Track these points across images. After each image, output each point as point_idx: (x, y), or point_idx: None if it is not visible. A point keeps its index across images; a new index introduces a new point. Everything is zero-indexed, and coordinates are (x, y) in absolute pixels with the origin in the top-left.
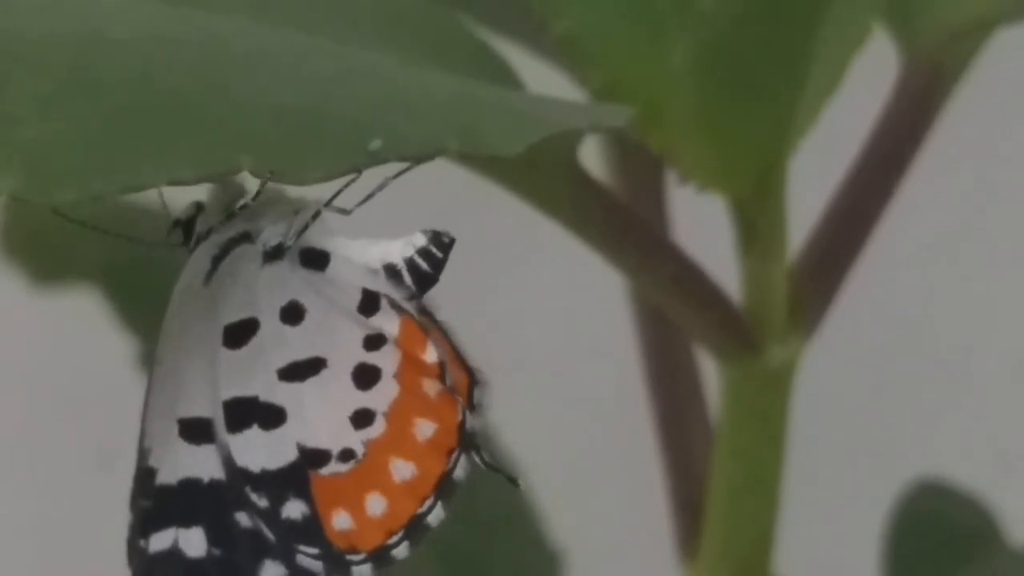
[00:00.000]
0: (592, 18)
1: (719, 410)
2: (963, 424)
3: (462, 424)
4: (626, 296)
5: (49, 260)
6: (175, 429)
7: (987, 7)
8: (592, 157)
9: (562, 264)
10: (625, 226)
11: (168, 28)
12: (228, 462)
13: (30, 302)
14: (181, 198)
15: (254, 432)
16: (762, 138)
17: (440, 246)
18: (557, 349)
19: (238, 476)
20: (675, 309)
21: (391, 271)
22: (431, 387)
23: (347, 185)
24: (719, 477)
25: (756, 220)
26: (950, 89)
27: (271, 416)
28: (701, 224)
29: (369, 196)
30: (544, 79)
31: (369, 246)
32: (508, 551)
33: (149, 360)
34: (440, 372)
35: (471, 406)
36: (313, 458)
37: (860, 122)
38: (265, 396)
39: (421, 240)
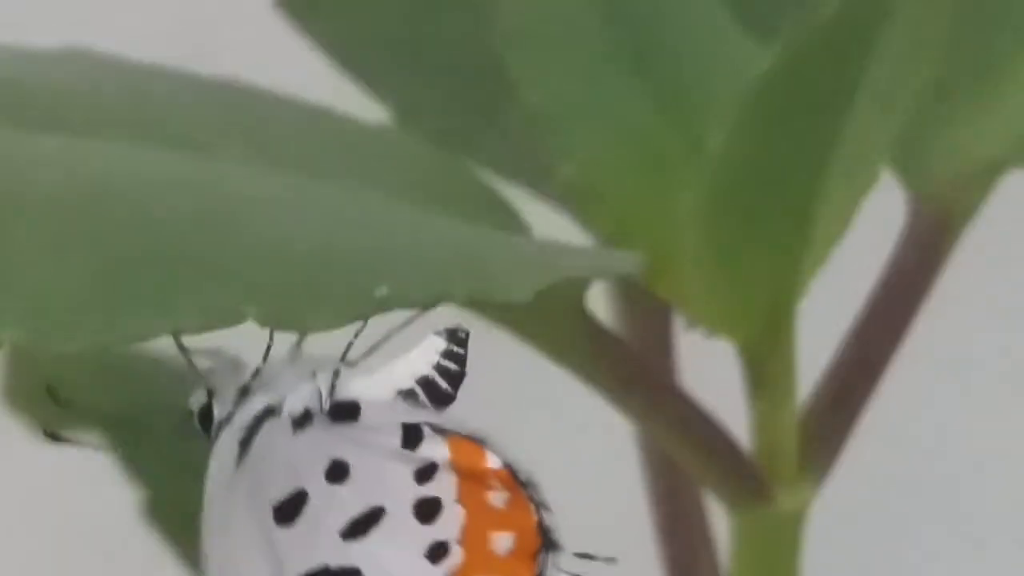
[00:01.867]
0: (598, 163)
1: (729, 557)
2: (975, 564)
3: (540, 523)
4: (634, 442)
5: (52, 411)
6: None
7: (997, 150)
8: (598, 301)
9: (569, 410)
10: (633, 372)
11: (173, 176)
12: None
13: (33, 454)
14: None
15: None
16: (771, 282)
17: (459, 342)
18: (564, 496)
19: None
20: (683, 455)
21: (425, 383)
22: (497, 498)
23: (357, 336)
24: None
25: (765, 365)
26: (960, 232)
27: None
28: (709, 369)
29: (374, 348)
30: (550, 223)
31: (390, 371)
32: None
33: (153, 512)
34: (508, 476)
35: (541, 503)
36: None
37: (868, 266)
38: (335, 561)
39: (440, 343)
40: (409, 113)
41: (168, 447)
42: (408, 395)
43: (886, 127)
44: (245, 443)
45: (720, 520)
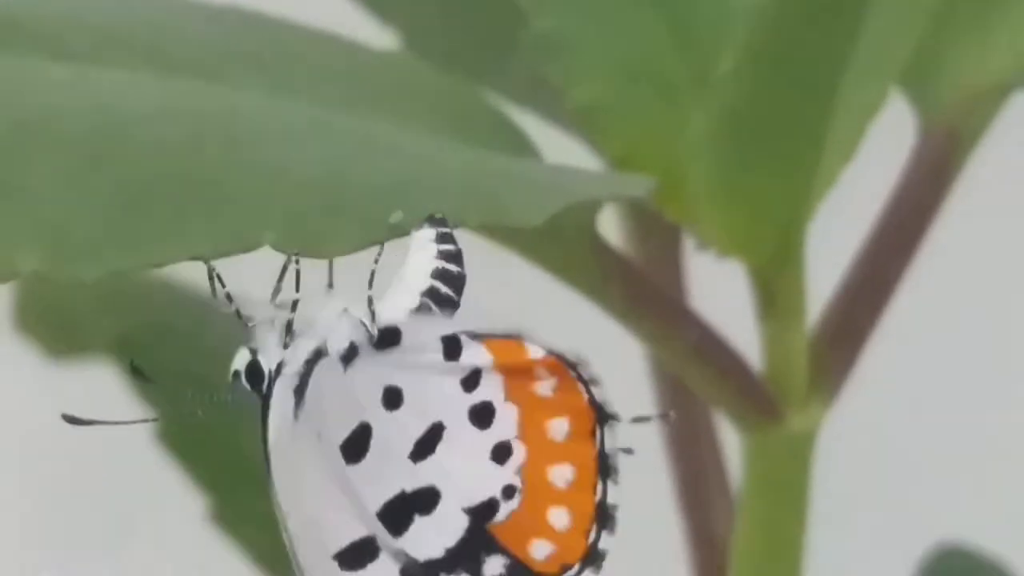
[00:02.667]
0: (609, 88)
1: (740, 478)
2: (985, 488)
3: (591, 400)
4: (645, 364)
5: (63, 334)
6: (334, 566)
7: (1005, 70)
8: (609, 225)
9: (581, 332)
10: (645, 294)
11: (189, 104)
12: (408, 564)
13: (45, 377)
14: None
15: (419, 523)
16: (780, 205)
17: (445, 238)
18: None
19: (427, 570)
20: (695, 377)
21: (430, 293)
22: (544, 387)
23: (376, 261)
24: (741, 545)
25: (775, 287)
26: (968, 153)
27: (425, 499)
28: (720, 291)
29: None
30: (560, 148)
31: (396, 291)
32: None
33: (165, 436)
34: (555, 362)
35: (589, 379)
36: (483, 512)
37: (878, 186)
38: (410, 485)
39: (431, 247)
40: (418, 38)
41: (179, 369)
42: (420, 309)
43: (895, 48)
44: (299, 390)
45: (731, 441)
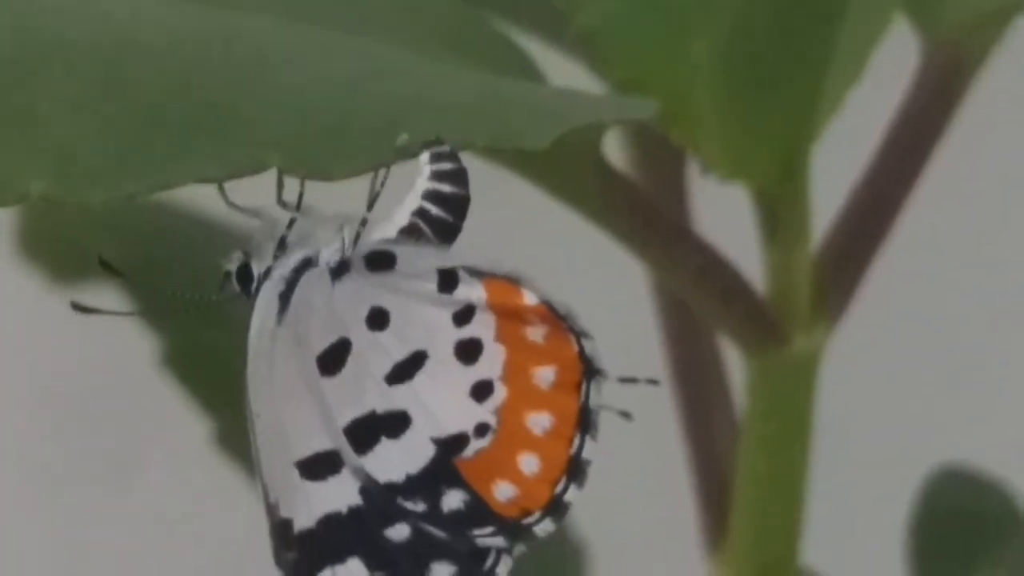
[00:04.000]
0: (613, 11)
1: (744, 401)
2: (987, 412)
3: (581, 353)
4: (649, 288)
5: (67, 259)
6: (295, 474)
7: None
8: (614, 149)
9: (585, 256)
10: (649, 218)
11: (195, 28)
12: (369, 484)
13: (49, 301)
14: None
15: (384, 445)
16: (784, 128)
17: (442, 157)
18: None
19: (386, 492)
20: (699, 301)
21: (421, 214)
22: (536, 333)
23: (382, 184)
24: (745, 469)
25: (779, 210)
26: (971, 77)
27: (395, 423)
28: (724, 215)
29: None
30: (564, 72)
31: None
32: (531, 545)
33: (170, 361)
34: (545, 310)
35: (581, 332)
36: (451, 445)
37: (882, 111)
38: (382, 407)
39: (425, 169)
40: None
41: (184, 297)
42: (411, 231)
43: None
44: (285, 296)
45: (735, 364)
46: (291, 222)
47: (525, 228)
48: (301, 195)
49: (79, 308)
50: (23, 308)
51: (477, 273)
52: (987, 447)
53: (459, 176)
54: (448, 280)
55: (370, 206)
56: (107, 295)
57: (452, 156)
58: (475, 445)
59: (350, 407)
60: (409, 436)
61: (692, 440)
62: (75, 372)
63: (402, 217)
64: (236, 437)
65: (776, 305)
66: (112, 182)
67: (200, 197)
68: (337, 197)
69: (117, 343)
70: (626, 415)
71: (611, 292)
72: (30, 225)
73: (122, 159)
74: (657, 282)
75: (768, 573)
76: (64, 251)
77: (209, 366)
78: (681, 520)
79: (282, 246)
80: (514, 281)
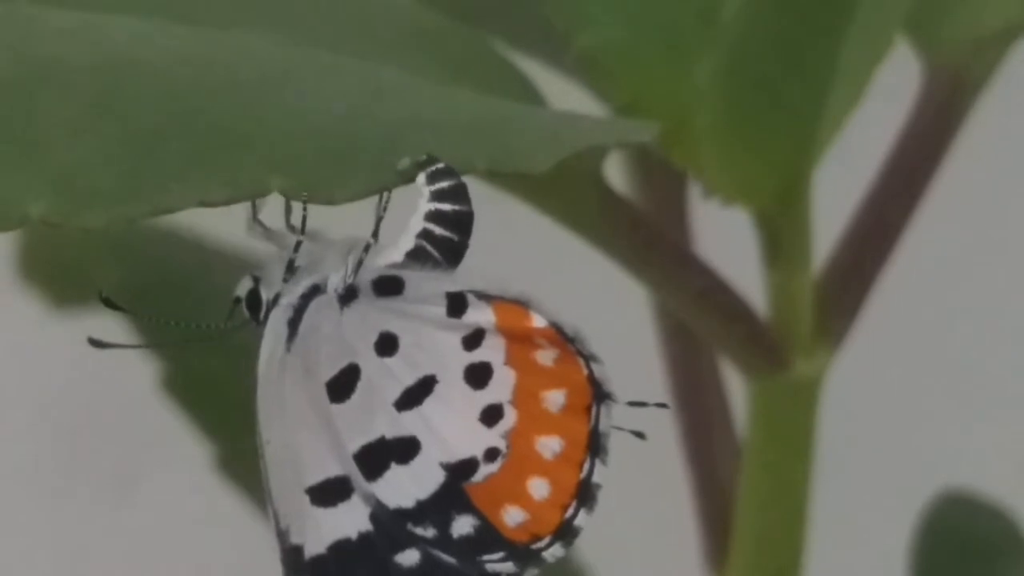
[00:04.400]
0: (615, 34)
1: (746, 424)
2: (990, 435)
3: (591, 377)
4: (651, 311)
5: (67, 283)
6: (306, 500)
7: (1010, 16)
8: (615, 172)
9: (586, 279)
10: (651, 241)
11: (197, 50)
12: (379, 509)
13: (49, 325)
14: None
15: (394, 471)
16: (786, 150)
17: (438, 175)
18: None
19: (396, 518)
20: (700, 324)
21: (425, 235)
22: (546, 356)
23: (385, 208)
24: (747, 491)
25: (781, 233)
26: (973, 98)
27: (405, 449)
28: (725, 238)
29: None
30: (565, 95)
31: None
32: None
33: (170, 385)
34: (554, 334)
35: (590, 356)
36: (461, 471)
37: (883, 133)
38: (391, 433)
39: (424, 190)
40: None
41: (185, 320)
42: (417, 253)
43: None
44: (294, 323)
45: (737, 387)
46: (297, 245)
47: (525, 251)
48: (305, 218)
49: (96, 344)
50: (25, 329)
51: (486, 297)
52: (990, 470)
53: (459, 193)
54: (457, 304)
55: (375, 231)
56: (109, 319)
57: (450, 173)
58: (485, 470)
59: (360, 433)
60: (419, 461)
61: (694, 463)
62: (76, 394)
63: (407, 240)
64: (236, 462)
65: (777, 328)
66: (112, 205)
67: (199, 220)
68: (349, 221)
69: (118, 365)
70: (640, 435)
71: (612, 315)
72: (31, 248)
73: (122, 182)
74: (658, 305)
75: None
76: (64, 274)
77: (209, 391)
78: (683, 543)
79: (290, 270)
80: (523, 304)
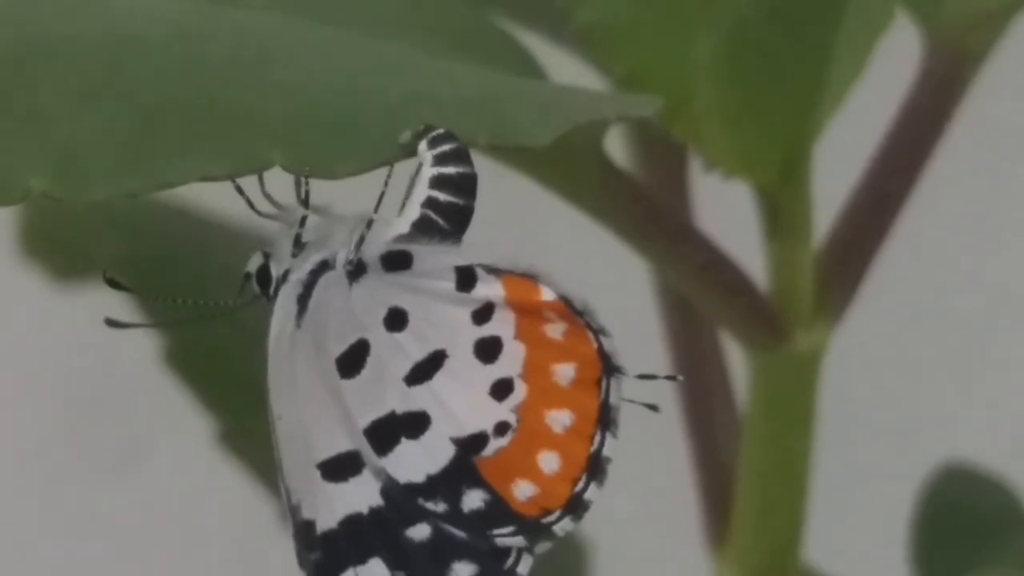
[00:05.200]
0: (616, 7)
1: (747, 398)
2: (990, 409)
3: (600, 350)
4: (651, 285)
5: (68, 257)
6: (317, 475)
7: None
8: (615, 146)
9: (586, 253)
10: (651, 215)
11: (198, 25)
12: (389, 484)
13: (50, 299)
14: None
15: (405, 446)
16: (787, 125)
17: (439, 139)
18: None
19: (406, 492)
20: (701, 297)
21: (430, 203)
22: (555, 330)
23: (387, 184)
24: (747, 465)
25: (781, 207)
26: (973, 73)
27: (415, 423)
28: (726, 211)
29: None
30: (565, 68)
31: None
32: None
33: (172, 356)
34: (564, 307)
35: (599, 329)
36: (471, 445)
37: (884, 107)
38: (401, 407)
39: (427, 155)
40: None
41: (187, 294)
42: (424, 222)
43: None
44: (303, 299)
45: (737, 361)
46: (303, 220)
47: (525, 225)
48: (307, 192)
49: (113, 324)
50: (27, 302)
51: (495, 270)
52: (990, 444)
53: (461, 156)
54: (466, 278)
55: (378, 205)
56: (110, 294)
57: (451, 138)
58: (495, 444)
59: (370, 408)
60: (429, 436)
61: (694, 437)
62: (78, 367)
63: (413, 210)
64: (238, 436)
65: (778, 302)
66: (114, 180)
67: (202, 194)
68: (362, 196)
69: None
70: (653, 407)
71: (613, 288)
72: (30, 224)
73: (124, 156)
74: (659, 279)
75: (771, 570)
76: (66, 249)
77: (211, 365)
78: (684, 517)
79: (298, 245)
80: (532, 277)
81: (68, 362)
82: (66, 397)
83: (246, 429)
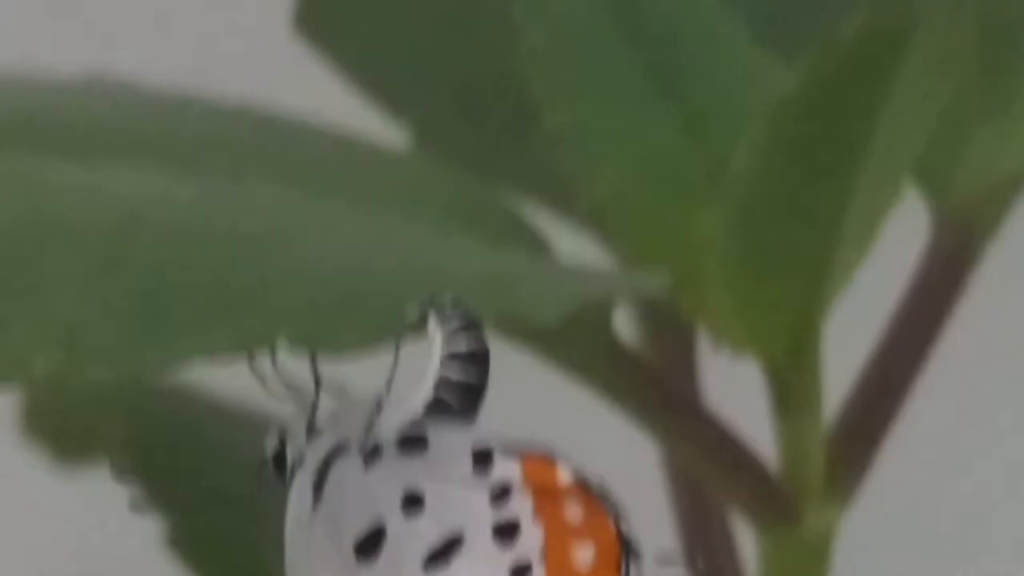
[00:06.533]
0: (622, 184)
1: None
2: None
3: (619, 533)
4: (659, 463)
5: (70, 439)
6: None
7: (1020, 165)
8: (623, 323)
9: (594, 430)
10: (659, 394)
11: (199, 203)
12: None
13: (54, 483)
14: None
15: None
16: (795, 301)
17: (446, 317)
18: None
19: None
20: (710, 476)
21: (442, 384)
22: (574, 512)
23: (396, 363)
24: None
25: (791, 384)
26: (983, 245)
27: None
28: (735, 389)
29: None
30: (573, 245)
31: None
32: None
33: (175, 542)
34: (581, 489)
35: (617, 511)
36: None
37: (893, 281)
38: None
39: (436, 336)
40: (430, 133)
41: (192, 477)
42: (437, 404)
43: (910, 143)
44: (318, 484)
45: (747, 541)
46: (314, 405)
47: (532, 402)
48: (317, 374)
49: (137, 508)
50: (26, 482)
51: (511, 450)
52: None
53: (471, 333)
54: (483, 459)
55: (389, 386)
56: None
57: (459, 315)
58: None
59: None
60: None
61: None
62: (79, 550)
63: (425, 391)
64: None
65: (788, 481)
66: (119, 360)
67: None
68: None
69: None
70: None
71: (621, 466)
72: (34, 403)
73: (129, 336)
74: (668, 458)
75: None
76: (69, 430)
77: (214, 548)
78: None
79: (311, 429)
80: (549, 458)
81: (71, 545)
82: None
83: None
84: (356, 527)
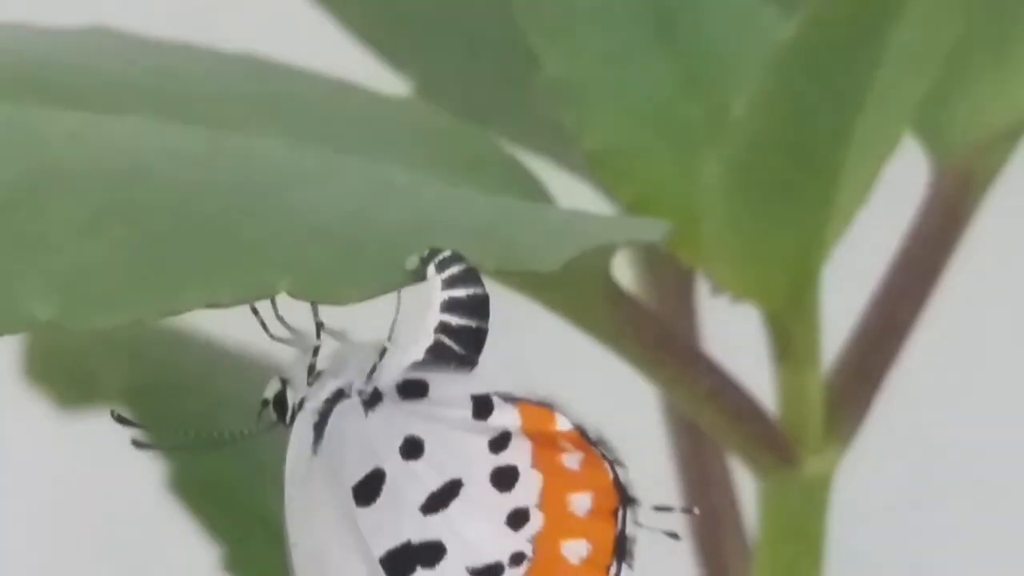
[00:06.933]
0: (623, 133)
1: (756, 523)
2: (1003, 535)
3: (616, 481)
4: (660, 409)
5: (74, 384)
6: None
7: (1018, 115)
8: (623, 270)
9: (595, 376)
10: (659, 340)
11: (204, 151)
12: None
13: (55, 428)
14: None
15: (420, 575)
16: (794, 248)
17: (446, 263)
18: None
19: None
20: (710, 422)
21: (443, 328)
22: (572, 460)
23: (398, 312)
24: None
25: (790, 331)
26: (981, 196)
27: (430, 553)
28: (734, 335)
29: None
30: (573, 193)
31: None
32: None
33: (177, 487)
34: (580, 437)
35: (615, 460)
36: (487, 575)
37: (892, 230)
38: (417, 537)
39: (436, 281)
40: (431, 84)
41: (193, 421)
42: (438, 349)
43: (909, 92)
44: (319, 427)
45: (747, 485)
46: (315, 350)
47: (531, 348)
48: (318, 322)
49: (139, 445)
50: (29, 428)
51: (511, 399)
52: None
53: (470, 278)
54: (482, 406)
55: (391, 332)
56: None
57: (458, 260)
58: (510, 574)
59: (386, 537)
60: (444, 566)
61: (704, 562)
62: (80, 493)
63: (426, 336)
64: (242, 564)
65: (787, 426)
66: (119, 307)
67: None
68: (378, 319)
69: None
70: (674, 535)
71: (621, 412)
72: (36, 349)
73: (129, 284)
74: (668, 403)
75: None
76: (71, 375)
77: (215, 493)
78: None
79: (312, 373)
80: (548, 406)
81: (71, 488)
82: (68, 523)
83: (251, 557)
84: (356, 470)
